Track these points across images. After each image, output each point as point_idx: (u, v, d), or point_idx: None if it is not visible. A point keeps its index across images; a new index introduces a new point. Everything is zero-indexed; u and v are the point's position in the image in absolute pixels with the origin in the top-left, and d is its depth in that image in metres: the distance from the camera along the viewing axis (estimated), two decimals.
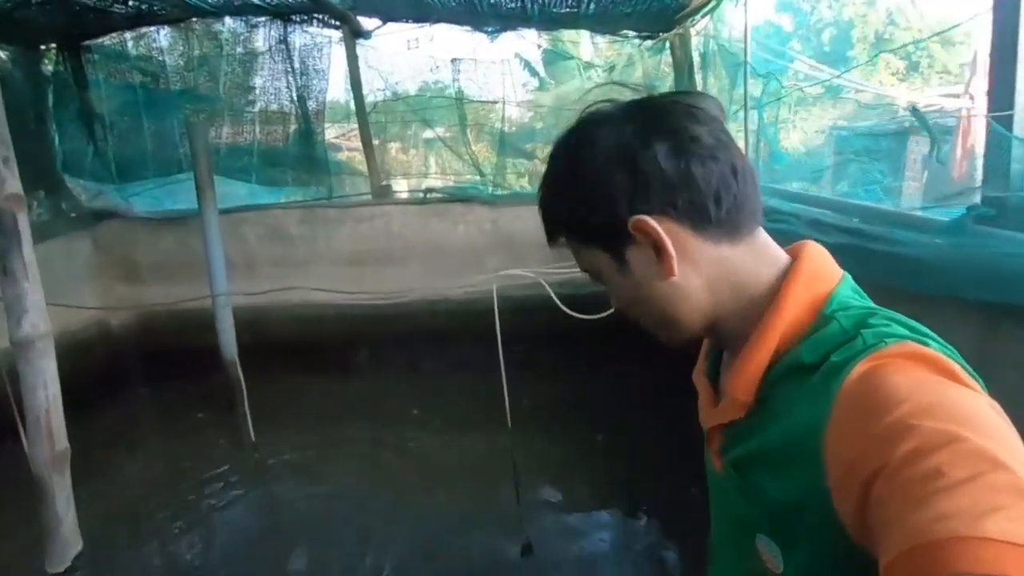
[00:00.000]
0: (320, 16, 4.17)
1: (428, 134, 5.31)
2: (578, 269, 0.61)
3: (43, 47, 3.98)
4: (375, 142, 4.47)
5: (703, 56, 3.90)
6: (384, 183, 4.53)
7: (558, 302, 2.63)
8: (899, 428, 0.37)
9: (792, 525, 0.48)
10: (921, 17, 12.75)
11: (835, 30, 14.28)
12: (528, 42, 5.16)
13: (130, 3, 3.60)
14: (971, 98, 4.56)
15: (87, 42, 4.07)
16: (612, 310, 0.64)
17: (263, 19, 4.13)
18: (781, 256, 0.56)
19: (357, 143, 4.53)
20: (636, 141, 0.53)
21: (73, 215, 4.11)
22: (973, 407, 0.38)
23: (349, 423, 3.66)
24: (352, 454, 3.28)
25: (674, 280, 0.54)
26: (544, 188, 0.59)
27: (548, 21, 4.20)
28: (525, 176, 5.03)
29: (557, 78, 6.06)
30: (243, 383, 3.31)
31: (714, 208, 0.53)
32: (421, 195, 4.27)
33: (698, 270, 0.54)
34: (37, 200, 4.09)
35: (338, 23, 4.23)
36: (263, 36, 4.17)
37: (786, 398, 0.50)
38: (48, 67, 4.04)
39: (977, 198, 1.52)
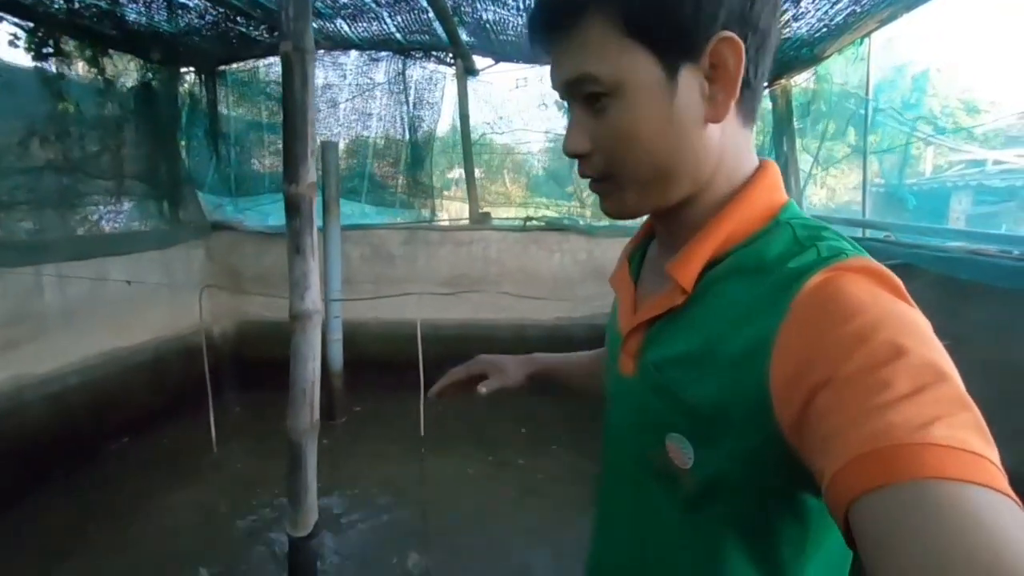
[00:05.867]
0: (437, 53, 4.47)
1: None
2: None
3: (183, 69, 4.27)
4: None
5: (801, 106, 4.15)
6: (483, 211, 4.73)
7: None
8: (851, 339, 0.37)
9: (714, 425, 0.46)
10: (946, 84, 13.33)
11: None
12: None
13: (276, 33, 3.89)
14: None
15: (222, 67, 4.37)
16: None
17: (386, 53, 4.44)
18: (754, 158, 0.52)
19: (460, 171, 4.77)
20: None
21: (193, 225, 4.30)
22: (918, 322, 0.39)
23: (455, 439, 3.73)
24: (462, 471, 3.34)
25: (710, 128, 0.48)
26: None
27: None
28: None
29: None
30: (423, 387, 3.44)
31: (761, 73, 0.48)
32: (521, 222, 4.45)
33: (723, 132, 0.49)
34: (161, 209, 4.28)
35: (452, 60, 4.53)
36: (384, 69, 4.46)
37: (730, 297, 0.47)
38: (184, 87, 4.32)
39: None
